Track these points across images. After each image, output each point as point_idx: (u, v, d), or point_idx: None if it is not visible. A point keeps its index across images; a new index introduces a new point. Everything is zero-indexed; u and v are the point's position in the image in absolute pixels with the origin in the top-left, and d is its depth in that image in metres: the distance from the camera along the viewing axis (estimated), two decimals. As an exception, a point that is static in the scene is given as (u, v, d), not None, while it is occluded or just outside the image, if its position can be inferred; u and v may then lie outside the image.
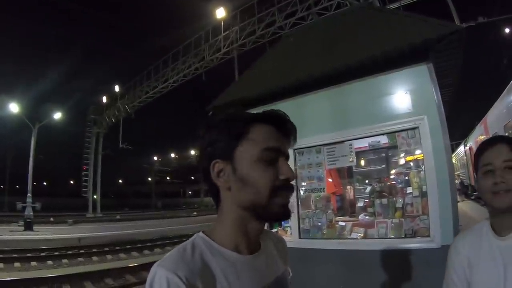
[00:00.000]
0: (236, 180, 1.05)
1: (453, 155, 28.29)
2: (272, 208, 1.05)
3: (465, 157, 23.30)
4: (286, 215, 1.08)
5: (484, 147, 1.52)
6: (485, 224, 1.55)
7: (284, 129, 1.13)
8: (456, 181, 23.57)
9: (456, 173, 26.55)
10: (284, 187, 1.07)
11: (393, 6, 17.34)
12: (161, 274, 0.92)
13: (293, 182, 1.11)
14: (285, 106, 5.37)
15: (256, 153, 1.05)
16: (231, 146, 1.06)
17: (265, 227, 1.19)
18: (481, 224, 1.59)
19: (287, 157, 1.12)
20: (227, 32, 26.61)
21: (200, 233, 1.10)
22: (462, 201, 21.57)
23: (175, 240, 16.51)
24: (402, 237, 4.26)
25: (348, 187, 5.59)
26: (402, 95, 4.43)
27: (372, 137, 4.89)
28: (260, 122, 1.10)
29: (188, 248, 1.02)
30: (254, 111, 1.15)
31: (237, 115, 1.12)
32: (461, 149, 25.39)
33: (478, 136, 17.11)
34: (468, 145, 21.62)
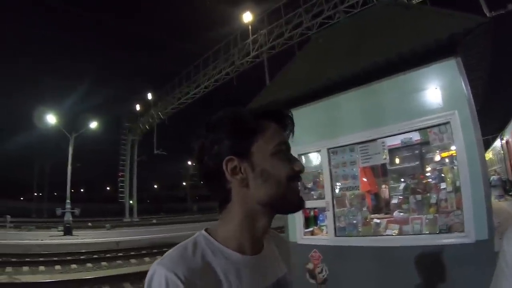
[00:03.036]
0: (255, 175, 1.06)
1: (489, 149, 27.45)
2: (291, 198, 1.09)
3: (501, 151, 22.61)
4: (303, 205, 1.13)
5: None
6: None
7: (285, 123, 1.16)
8: (493, 176, 22.79)
9: (493, 168, 25.68)
10: (297, 178, 1.10)
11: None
12: (160, 273, 0.93)
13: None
14: (317, 107, 5.52)
15: (272, 148, 1.07)
16: (247, 142, 1.07)
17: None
18: None
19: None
20: (255, 35, 26.60)
21: (203, 231, 1.10)
22: (500, 196, 20.78)
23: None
24: (437, 233, 4.25)
25: (383, 185, 5.59)
26: (432, 90, 4.42)
27: (404, 134, 4.89)
28: (264, 118, 1.13)
29: (189, 247, 1.02)
30: None
31: (246, 113, 1.12)
32: (497, 143, 24.62)
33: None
34: (504, 138, 20.98)
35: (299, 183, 1.12)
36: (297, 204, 1.11)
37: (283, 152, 1.10)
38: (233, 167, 1.05)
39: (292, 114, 1.18)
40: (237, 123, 1.08)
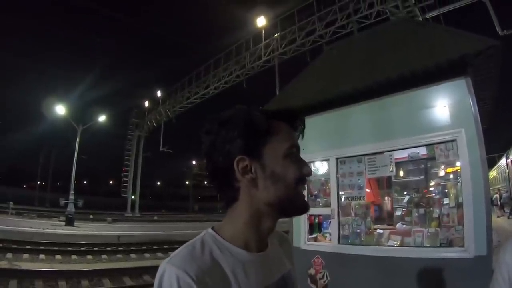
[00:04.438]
0: (266, 176, 1.06)
1: (494, 167, 27.27)
2: (298, 201, 1.10)
3: (506, 170, 22.41)
4: (308, 208, 1.13)
5: None
6: None
7: (295, 125, 1.16)
8: (496, 195, 22.68)
9: (496, 186, 25.50)
10: (304, 182, 1.10)
11: (432, 14, 17.00)
12: (170, 272, 0.92)
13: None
14: (329, 117, 5.66)
15: (284, 150, 1.07)
16: (259, 143, 1.06)
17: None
18: None
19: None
20: (268, 40, 26.79)
21: (209, 230, 1.10)
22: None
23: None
24: (437, 246, 4.35)
25: (387, 197, 5.68)
26: (441, 108, 4.54)
27: (412, 149, 5.01)
28: (276, 119, 1.12)
29: (197, 245, 1.02)
30: None
31: (259, 113, 1.10)
32: (502, 161, 24.36)
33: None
34: (510, 157, 20.88)
35: (304, 186, 1.13)
36: (303, 208, 1.12)
37: (294, 154, 1.10)
38: (244, 166, 1.05)
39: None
40: (251, 123, 1.07)
